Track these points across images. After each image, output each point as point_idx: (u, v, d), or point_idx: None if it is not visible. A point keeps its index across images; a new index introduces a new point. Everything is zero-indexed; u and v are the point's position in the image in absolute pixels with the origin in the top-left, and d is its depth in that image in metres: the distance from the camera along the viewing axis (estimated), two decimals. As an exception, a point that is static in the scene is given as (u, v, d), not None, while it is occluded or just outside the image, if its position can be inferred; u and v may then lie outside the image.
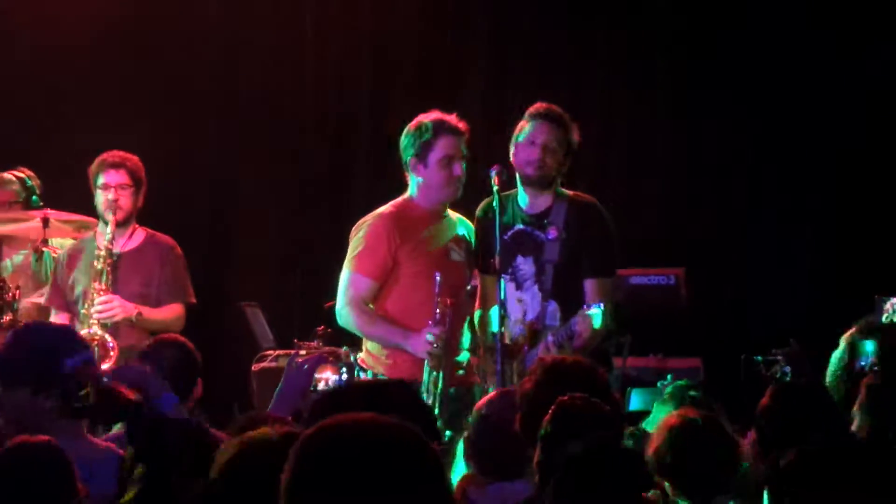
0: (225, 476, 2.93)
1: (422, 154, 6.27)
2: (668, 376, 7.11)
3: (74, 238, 7.39)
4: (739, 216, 9.12)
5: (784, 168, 9.02)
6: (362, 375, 6.27)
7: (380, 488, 2.31)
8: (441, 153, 6.25)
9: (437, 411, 5.89)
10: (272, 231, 9.56)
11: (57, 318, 6.93)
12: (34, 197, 7.71)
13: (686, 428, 4.16)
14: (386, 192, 6.64)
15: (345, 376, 6.73)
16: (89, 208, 7.29)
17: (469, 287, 6.43)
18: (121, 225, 6.92)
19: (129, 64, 9.35)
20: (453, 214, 6.46)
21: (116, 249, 6.92)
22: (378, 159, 9.16)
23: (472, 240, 6.42)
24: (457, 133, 6.28)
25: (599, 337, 5.99)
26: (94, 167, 6.94)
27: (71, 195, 7.62)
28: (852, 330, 5.72)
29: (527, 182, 6.28)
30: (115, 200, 6.87)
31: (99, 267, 6.81)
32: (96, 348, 6.57)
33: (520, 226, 6.31)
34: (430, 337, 6.05)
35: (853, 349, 5.74)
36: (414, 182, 6.34)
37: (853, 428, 4.82)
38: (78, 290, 6.86)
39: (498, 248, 6.14)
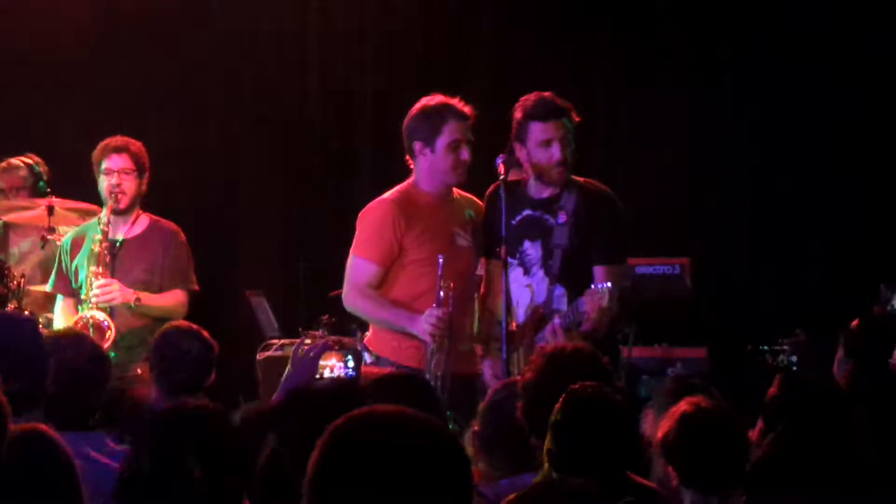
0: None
1: (429, 138, 6.25)
2: (678, 363, 7.11)
3: (80, 225, 7.39)
4: (745, 205, 9.10)
5: (790, 157, 9.00)
6: (367, 357, 6.25)
7: (406, 485, 2.27)
8: (449, 138, 6.23)
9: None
10: (277, 220, 9.56)
11: (63, 304, 6.92)
12: (41, 183, 7.71)
13: (696, 415, 4.14)
14: (390, 179, 6.62)
15: (351, 364, 6.73)
16: (94, 197, 7.30)
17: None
18: (124, 211, 6.91)
19: (132, 55, 9.36)
20: (460, 196, 6.44)
21: (120, 236, 6.91)
22: (382, 147, 9.16)
23: (480, 221, 6.40)
24: (464, 118, 6.26)
25: (607, 319, 5.95)
26: (97, 152, 6.93)
27: (76, 183, 7.63)
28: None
29: (549, 182, 6.24)
30: (118, 185, 6.86)
31: (96, 251, 6.80)
32: (91, 329, 6.57)
33: (528, 211, 6.28)
34: (432, 319, 6.04)
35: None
36: (419, 167, 6.32)
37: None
38: (81, 275, 6.85)
39: (504, 236, 6.13)
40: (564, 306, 6.15)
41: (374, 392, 3.45)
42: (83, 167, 7.61)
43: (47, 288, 7.10)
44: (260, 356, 7.71)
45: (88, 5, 9.40)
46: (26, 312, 6.69)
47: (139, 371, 5.79)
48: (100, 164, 6.90)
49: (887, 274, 7.11)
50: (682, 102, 9.17)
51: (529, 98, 6.24)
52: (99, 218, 6.91)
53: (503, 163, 6.19)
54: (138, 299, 6.74)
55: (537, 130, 6.18)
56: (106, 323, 6.68)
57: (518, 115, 6.21)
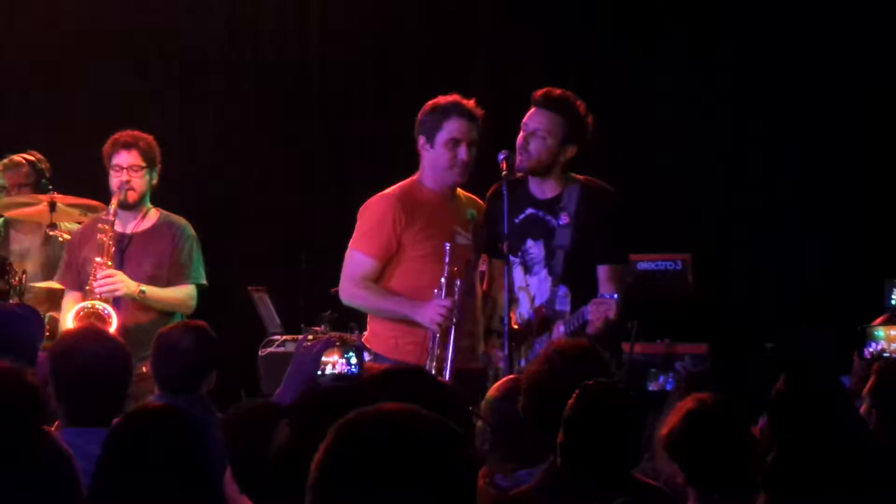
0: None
1: (430, 134, 6.25)
2: (686, 357, 7.10)
3: (80, 222, 7.39)
4: (747, 201, 9.10)
5: (792, 152, 9.00)
6: (366, 356, 6.25)
7: (410, 485, 2.26)
8: (448, 135, 6.22)
9: None
10: (279, 215, 9.56)
11: (69, 296, 6.91)
12: (43, 180, 7.71)
13: (702, 413, 4.14)
14: (392, 174, 6.62)
15: (353, 360, 6.73)
16: (96, 193, 7.30)
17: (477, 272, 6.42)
18: (133, 206, 6.91)
19: (132, 54, 9.36)
20: (463, 195, 6.43)
21: (129, 230, 6.91)
22: (385, 142, 9.16)
23: (482, 220, 6.39)
24: (469, 117, 6.23)
25: (613, 327, 5.95)
26: (107, 147, 6.93)
27: (78, 180, 7.63)
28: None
29: (517, 170, 6.23)
30: (127, 182, 6.86)
31: (101, 241, 6.79)
32: (91, 318, 6.57)
33: (531, 210, 6.26)
34: (441, 309, 6.02)
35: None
36: (423, 162, 6.32)
37: (862, 412, 4.82)
38: (89, 268, 6.84)
39: (506, 232, 6.12)
40: (567, 306, 6.13)
41: (380, 387, 3.44)
42: (84, 163, 7.62)
43: (55, 279, 7.09)
44: (262, 352, 7.70)
45: (89, 4, 9.40)
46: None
47: (144, 369, 5.77)
48: (109, 159, 6.90)
49: (891, 269, 7.12)
50: (684, 97, 9.16)
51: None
52: (106, 209, 6.91)
53: (505, 159, 6.18)
54: (143, 291, 6.74)
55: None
56: (107, 311, 6.67)
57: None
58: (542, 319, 6.17)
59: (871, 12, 8.82)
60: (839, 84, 8.84)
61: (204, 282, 6.99)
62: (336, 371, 6.82)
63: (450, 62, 9.39)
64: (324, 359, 6.27)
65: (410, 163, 6.43)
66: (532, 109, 6.20)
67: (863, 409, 4.91)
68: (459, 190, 6.40)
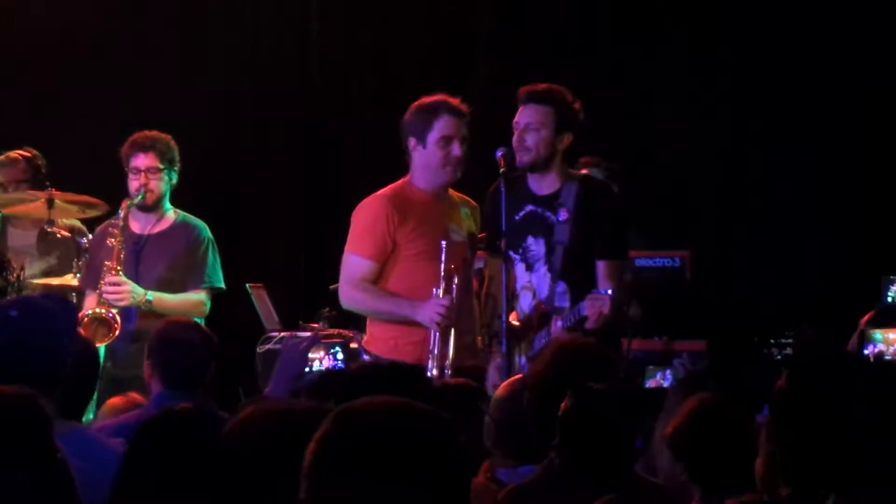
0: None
1: (421, 134, 6.25)
2: (684, 355, 7.10)
3: (79, 218, 7.40)
4: (745, 198, 9.10)
5: (792, 151, 9.00)
6: (366, 358, 6.26)
7: (402, 476, 2.28)
8: (439, 133, 6.23)
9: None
10: (277, 212, 9.56)
11: (90, 297, 6.88)
12: (40, 176, 7.70)
13: (706, 412, 4.15)
14: (390, 172, 6.63)
15: (340, 356, 6.74)
16: (95, 189, 7.30)
17: (475, 269, 6.42)
18: (151, 208, 6.90)
19: (132, 53, 9.36)
20: (455, 196, 6.44)
21: (145, 232, 6.89)
22: (383, 140, 9.16)
23: (475, 221, 6.40)
24: (457, 114, 6.25)
25: (609, 322, 5.96)
26: (125, 148, 6.91)
27: (77, 176, 7.63)
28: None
29: (520, 169, 6.25)
30: (145, 185, 6.84)
31: (111, 245, 6.79)
32: (96, 323, 6.57)
33: (531, 207, 6.28)
34: (439, 308, 6.02)
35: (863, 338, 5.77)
36: (414, 163, 6.32)
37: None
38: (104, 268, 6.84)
39: (504, 229, 6.13)
40: (567, 302, 6.15)
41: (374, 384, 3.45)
42: (82, 159, 7.63)
43: (74, 282, 7.07)
44: (260, 349, 7.70)
45: (89, 3, 9.40)
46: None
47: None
48: (127, 161, 6.88)
49: (890, 267, 7.12)
50: (683, 95, 9.16)
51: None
52: (117, 214, 6.89)
53: (503, 156, 6.20)
54: (149, 300, 6.72)
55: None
56: (111, 314, 6.67)
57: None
58: (542, 315, 6.19)
59: (870, 12, 8.81)
60: (839, 83, 8.83)
61: (221, 285, 6.97)
62: (323, 367, 6.84)
63: (449, 62, 9.39)
64: (311, 355, 6.29)
65: (408, 162, 6.45)
66: (520, 108, 6.23)
67: None
68: (451, 190, 6.41)
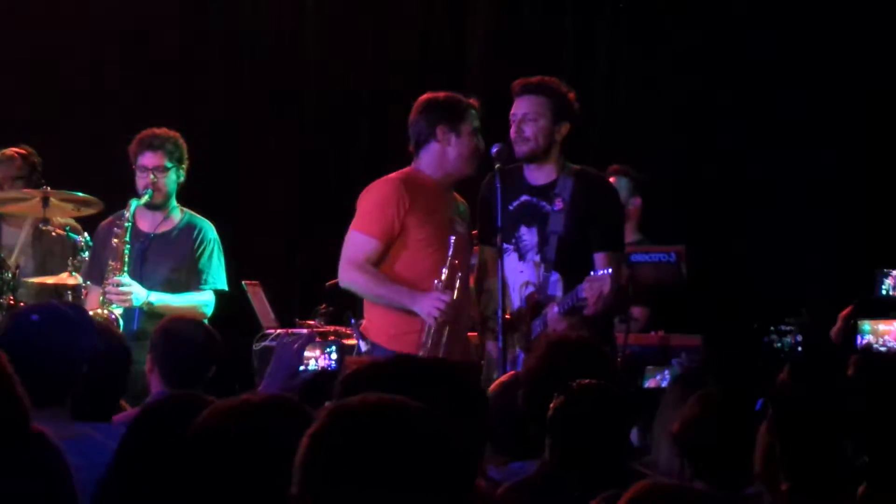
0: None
1: (455, 124, 6.25)
2: (683, 353, 7.10)
3: (74, 217, 7.39)
4: (741, 194, 9.10)
5: (785, 144, 9.00)
6: (362, 345, 6.24)
7: (395, 476, 2.27)
8: (472, 125, 6.27)
9: None
10: (273, 209, 9.56)
11: (94, 291, 6.88)
12: (35, 174, 7.70)
13: (710, 408, 4.14)
14: (387, 169, 6.62)
15: (334, 356, 6.72)
16: (90, 187, 7.29)
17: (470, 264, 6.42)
18: (158, 206, 6.89)
19: (131, 53, 9.36)
20: (454, 194, 6.46)
21: (151, 230, 6.89)
22: (381, 136, 9.16)
23: (468, 218, 6.42)
24: (477, 111, 6.29)
25: (610, 303, 5.96)
26: (133, 146, 6.90)
27: (72, 174, 7.62)
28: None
29: (519, 159, 6.27)
30: (154, 183, 6.83)
31: (114, 244, 6.79)
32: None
33: (525, 197, 6.29)
34: (440, 304, 6.01)
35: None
36: (430, 153, 6.29)
37: None
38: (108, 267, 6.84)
39: (499, 224, 6.13)
40: (560, 292, 6.16)
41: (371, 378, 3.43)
42: (77, 157, 7.62)
43: (69, 280, 7.06)
44: (256, 346, 7.70)
45: (89, 2, 9.40)
46: (21, 305, 6.68)
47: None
48: (135, 159, 6.87)
49: (883, 258, 7.12)
50: (679, 93, 9.16)
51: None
52: (123, 212, 6.87)
53: (498, 152, 6.21)
54: (151, 303, 6.71)
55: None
56: (113, 316, 6.68)
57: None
58: (535, 305, 6.19)
59: (870, 12, 8.80)
60: (838, 81, 8.83)
61: (224, 287, 6.97)
62: (318, 366, 6.83)
63: (444, 62, 9.39)
64: (306, 353, 6.27)
65: (406, 158, 6.44)
66: (515, 100, 6.25)
67: None
68: None
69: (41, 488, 3.38)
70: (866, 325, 6.71)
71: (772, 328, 6.68)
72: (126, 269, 6.76)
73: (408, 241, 6.22)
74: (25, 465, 3.37)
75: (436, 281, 6.08)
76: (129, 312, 6.73)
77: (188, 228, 6.94)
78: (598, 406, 4.02)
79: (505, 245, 6.22)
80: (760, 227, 9.01)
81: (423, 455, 2.29)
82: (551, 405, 4.02)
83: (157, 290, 6.81)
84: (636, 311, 7.68)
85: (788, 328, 6.57)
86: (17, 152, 7.76)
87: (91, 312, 6.61)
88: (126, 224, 6.77)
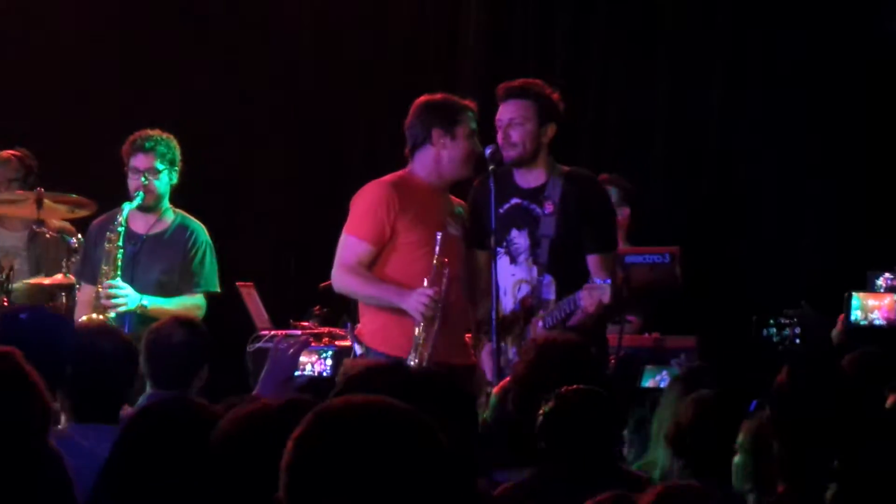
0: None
1: (449, 127, 6.26)
2: (682, 354, 7.11)
3: (68, 219, 7.39)
4: (736, 193, 9.10)
5: (780, 147, 9.00)
6: (357, 349, 6.25)
7: (380, 478, 2.26)
8: (468, 128, 6.27)
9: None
10: (267, 210, 9.56)
11: (85, 289, 6.87)
12: (31, 176, 7.69)
13: (707, 410, 4.15)
14: (381, 170, 6.63)
15: (329, 361, 6.73)
16: (84, 189, 7.29)
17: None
18: (150, 208, 6.88)
19: (131, 53, 9.36)
20: (451, 196, 6.46)
21: (143, 232, 6.87)
22: (376, 136, 9.17)
23: (465, 219, 6.42)
24: (475, 113, 6.30)
25: (600, 314, 5.98)
26: (125, 147, 6.88)
27: (65, 177, 7.61)
28: None
29: (508, 164, 6.27)
30: (145, 185, 6.82)
31: (107, 248, 6.78)
32: None
33: (515, 200, 6.29)
34: (424, 298, 6.02)
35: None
36: (425, 156, 6.30)
37: None
38: (99, 267, 6.83)
39: (493, 225, 6.13)
40: (552, 295, 6.16)
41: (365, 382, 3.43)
42: (72, 159, 7.61)
43: (63, 282, 7.06)
44: (250, 348, 7.70)
45: (88, 3, 9.40)
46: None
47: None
48: (127, 161, 6.86)
49: (877, 260, 7.12)
50: (674, 91, 9.15)
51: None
52: (116, 216, 6.86)
53: (492, 153, 6.22)
54: (144, 305, 6.71)
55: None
56: (108, 323, 6.67)
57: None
58: (528, 309, 6.19)
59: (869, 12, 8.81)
60: (835, 83, 8.83)
61: (216, 289, 6.97)
62: (314, 370, 6.83)
63: (441, 63, 9.40)
64: (301, 359, 6.28)
65: (401, 160, 6.44)
66: (500, 105, 6.26)
67: None
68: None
69: (44, 494, 3.38)
70: (856, 297, 6.74)
71: (771, 321, 6.67)
72: (119, 273, 6.74)
73: (400, 243, 6.23)
74: (29, 471, 3.37)
75: (425, 280, 6.09)
76: (120, 317, 6.72)
77: (180, 230, 6.93)
78: (587, 411, 4.03)
79: (496, 248, 6.22)
80: (759, 227, 9.01)
81: (409, 456, 2.29)
82: (541, 410, 4.03)
83: (149, 292, 6.80)
84: (632, 319, 7.68)
85: (787, 321, 6.56)
86: (13, 155, 7.76)
87: (85, 317, 6.63)
88: (119, 229, 6.76)
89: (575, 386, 4.08)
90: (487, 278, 6.18)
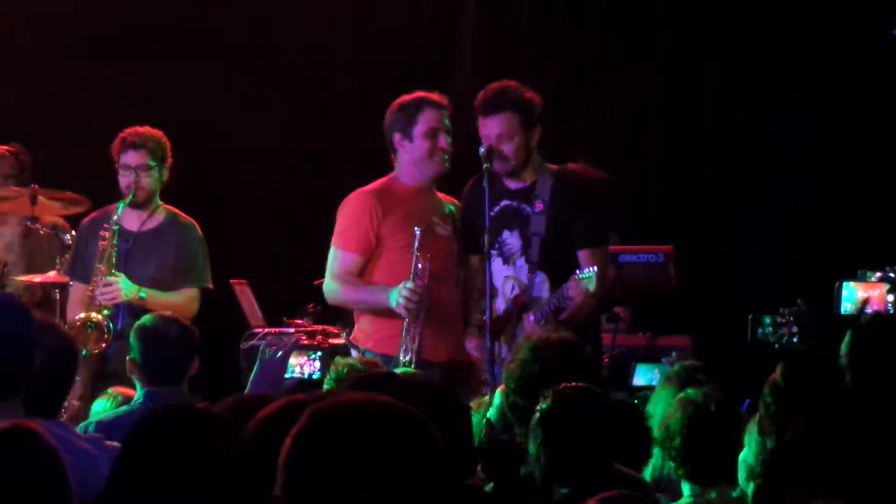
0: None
1: (405, 129, 6.29)
2: (673, 353, 7.12)
3: (62, 215, 7.38)
4: (731, 193, 9.10)
5: (773, 145, 9.00)
6: (354, 353, 6.26)
7: (376, 475, 2.26)
8: (425, 126, 6.28)
9: (412, 368, 5.88)
10: (261, 208, 9.55)
11: (76, 286, 6.86)
12: (25, 172, 7.69)
13: (698, 411, 4.15)
14: (374, 170, 6.64)
15: (317, 364, 6.73)
16: (78, 186, 7.28)
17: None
18: (141, 204, 6.88)
19: (131, 52, 9.36)
20: (440, 195, 6.47)
21: (135, 229, 6.87)
22: (370, 136, 9.15)
23: (458, 217, 6.42)
24: (439, 106, 6.32)
25: (590, 307, 5.98)
26: (115, 145, 6.90)
27: (60, 172, 7.60)
28: None
29: (504, 175, 6.29)
30: (136, 182, 6.82)
31: (101, 247, 6.77)
32: (89, 329, 6.56)
33: (505, 201, 6.32)
34: (405, 291, 6.03)
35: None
36: (400, 160, 6.35)
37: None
38: (93, 264, 6.82)
39: (487, 224, 6.14)
40: (545, 293, 6.17)
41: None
42: (68, 155, 7.60)
43: (65, 273, 7.05)
44: (244, 345, 7.69)
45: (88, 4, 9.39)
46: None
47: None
48: (118, 158, 6.87)
49: (870, 260, 7.12)
50: (670, 91, 9.15)
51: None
52: (109, 213, 6.85)
53: (486, 151, 6.22)
54: (142, 297, 6.71)
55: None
56: (105, 322, 6.66)
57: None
58: (521, 306, 6.21)
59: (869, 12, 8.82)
60: (833, 86, 8.83)
61: (208, 285, 6.97)
62: (304, 372, 6.84)
63: (435, 63, 9.40)
64: (292, 360, 6.29)
65: (392, 161, 6.45)
66: (481, 120, 6.26)
67: None
68: (435, 191, 6.43)
69: (39, 489, 3.37)
70: (848, 284, 6.74)
71: (766, 319, 6.67)
72: (113, 270, 6.74)
73: (387, 248, 6.27)
74: (23, 464, 3.35)
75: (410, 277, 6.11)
76: (113, 311, 6.71)
77: (172, 228, 6.94)
78: (583, 409, 4.02)
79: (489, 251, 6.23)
80: (757, 227, 9.01)
81: (405, 453, 2.29)
82: (536, 408, 4.02)
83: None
84: (621, 311, 7.69)
85: (783, 319, 6.56)
86: (7, 150, 7.75)
87: (83, 315, 6.62)
88: (114, 227, 6.75)
89: (571, 384, 4.08)
90: (482, 281, 6.19)
